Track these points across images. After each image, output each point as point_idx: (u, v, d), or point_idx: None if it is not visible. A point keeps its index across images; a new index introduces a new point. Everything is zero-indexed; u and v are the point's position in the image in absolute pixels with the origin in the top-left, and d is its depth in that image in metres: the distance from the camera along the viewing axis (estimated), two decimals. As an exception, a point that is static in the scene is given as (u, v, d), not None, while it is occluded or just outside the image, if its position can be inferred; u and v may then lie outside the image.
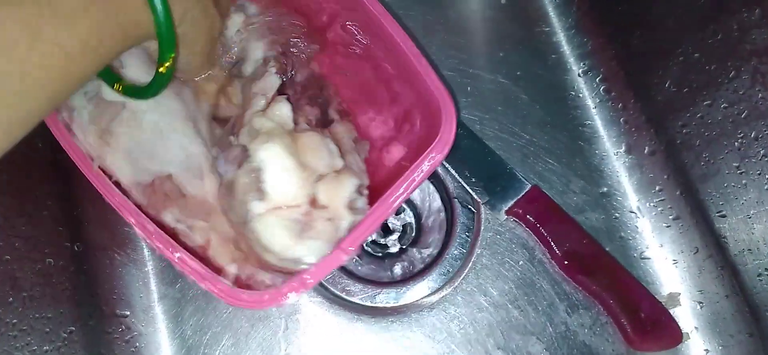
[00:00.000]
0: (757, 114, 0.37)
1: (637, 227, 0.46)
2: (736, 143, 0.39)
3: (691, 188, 0.43)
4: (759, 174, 0.38)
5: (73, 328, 0.39)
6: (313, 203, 0.29)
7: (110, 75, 0.30)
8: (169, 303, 0.44)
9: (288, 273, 0.30)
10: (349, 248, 0.30)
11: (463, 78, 0.48)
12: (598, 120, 0.48)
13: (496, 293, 0.44)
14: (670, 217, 0.45)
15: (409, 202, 0.47)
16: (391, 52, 0.35)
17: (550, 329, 0.43)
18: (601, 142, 0.48)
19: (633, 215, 0.46)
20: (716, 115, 0.40)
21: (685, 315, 0.44)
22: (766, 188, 0.37)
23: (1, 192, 0.37)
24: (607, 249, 0.44)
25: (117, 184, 0.31)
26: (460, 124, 0.44)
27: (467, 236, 0.44)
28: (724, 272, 0.42)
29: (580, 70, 0.49)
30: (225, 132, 0.34)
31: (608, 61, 0.48)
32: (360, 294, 0.43)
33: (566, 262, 0.43)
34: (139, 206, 0.31)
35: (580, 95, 0.49)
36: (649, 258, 0.46)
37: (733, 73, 0.38)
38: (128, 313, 0.43)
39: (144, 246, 0.44)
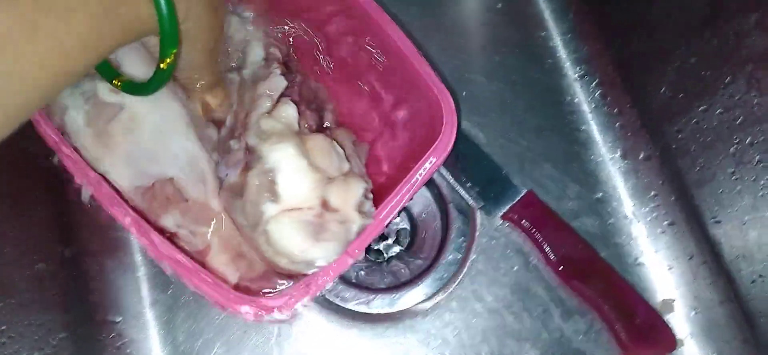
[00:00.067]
0: (753, 120, 0.37)
1: (632, 233, 0.46)
2: (731, 149, 0.39)
3: (686, 194, 0.43)
4: (754, 180, 0.38)
5: (64, 334, 0.39)
6: (325, 205, 0.29)
7: (108, 70, 0.29)
8: (161, 309, 0.43)
9: (294, 278, 0.30)
10: (355, 251, 0.30)
11: (459, 82, 0.48)
12: (593, 125, 0.48)
13: (490, 298, 0.44)
14: (665, 223, 0.45)
15: (404, 207, 0.47)
16: (389, 53, 0.35)
17: (545, 335, 0.43)
18: (597, 148, 0.48)
19: (628, 220, 0.46)
20: (712, 120, 0.40)
21: (680, 321, 0.44)
22: (761, 194, 0.37)
23: (-9, 197, 0.37)
24: (601, 255, 0.44)
25: (113, 187, 0.31)
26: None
27: (462, 242, 0.44)
28: (719, 278, 0.42)
29: (576, 75, 0.49)
30: (224, 135, 0.33)
31: (604, 66, 0.48)
32: (354, 300, 0.43)
33: (561, 267, 0.43)
34: (137, 212, 0.30)
35: (576, 100, 0.49)
36: (643, 264, 0.46)
37: (728, 78, 0.38)
38: (119, 319, 0.43)
39: (135, 251, 0.44)
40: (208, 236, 0.32)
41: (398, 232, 0.47)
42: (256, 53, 0.35)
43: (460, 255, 0.44)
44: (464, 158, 0.45)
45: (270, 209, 0.28)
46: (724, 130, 0.39)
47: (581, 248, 0.44)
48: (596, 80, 0.48)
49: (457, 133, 0.32)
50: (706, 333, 0.44)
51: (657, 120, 0.45)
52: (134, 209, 0.30)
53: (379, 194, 0.31)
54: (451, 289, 0.44)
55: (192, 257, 0.29)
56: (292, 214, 0.28)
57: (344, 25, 0.37)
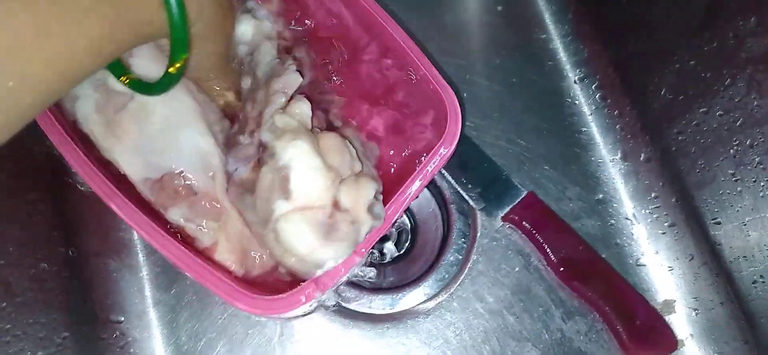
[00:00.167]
0: (753, 122, 0.37)
1: (633, 234, 0.46)
2: (731, 151, 0.39)
3: (687, 195, 0.43)
4: (754, 181, 0.38)
5: (67, 334, 0.39)
6: (336, 205, 0.29)
7: (117, 66, 0.29)
8: (164, 309, 0.43)
9: (302, 278, 0.30)
10: (362, 249, 0.30)
11: (460, 84, 0.48)
12: (594, 127, 0.48)
13: (492, 299, 0.44)
14: (666, 224, 0.46)
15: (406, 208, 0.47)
16: (391, 50, 0.35)
17: (546, 336, 0.43)
18: (597, 149, 0.48)
19: (628, 221, 0.46)
20: (712, 122, 0.40)
21: (681, 322, 0.44)
22: (761, 195, 0.38)
23: (-5, 197, 0.37)
24: (602, 256, 0.44)
25: (119, 182, 0.31)
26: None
27: (463, 243, 0.44)
28: (719, 279, 0.43)
29: (576, 77, 0.49)
30: (234, 130, 0.33)
31: (604, 68, 0.48)
32: (356, 300, 0.43)
33: (562, 268, 0.43)
34: (145, 203, 0.30)
35: (576, 102, 0.49)
36: (644, 265, 0.46)
37: (728, 80, 0.38)
38: (123, 319, 0.43)
39: (139, 251, 0.44)
40: (216, 232, 0.31)
41: (400, 233, 0.47)
42: (269, 51, 0.35)
43: (461, 256, 0.44)
44: (465, 160, 0.45)
45: (281, 206, 0.28)
46: (724, 132, 0.39)
47: (582, 249, 0.44)
48: (596, 82, 0.49)
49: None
50: (707, 334, 0.44)
51: (657, 122, 0.45)
52: (142, 201, 0.30)
53: (385, 192, 0.31)
54: (453, 289, 0.44)
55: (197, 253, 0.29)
56: (304, 213, 0.28)
57: (346, 25, 0.37)
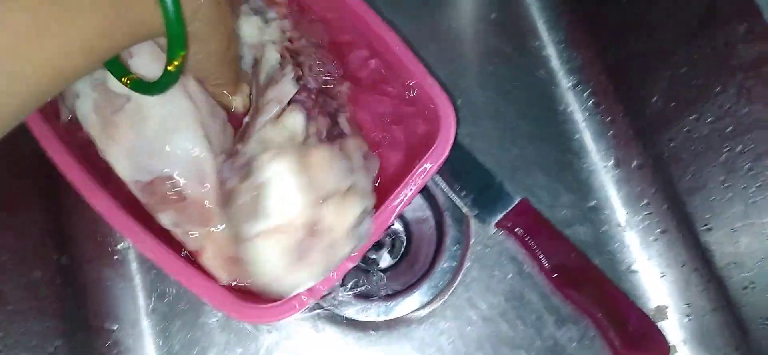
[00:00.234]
0: (743, 129, 0.37)
1: (625, 241, 0.46)
2: (721, 157, 0.39)
3: (678, 202, 0.44)
4: (744, 188, 0.38)
5: (60, 342, 0.39)
6: (315, 226, 0.27)
7: (118, 67, 0.29)
8: (157, 317, 0.43)
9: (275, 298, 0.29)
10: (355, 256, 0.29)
11: (453, 92, 0.48)
12: (587, 134, 0.49)
13: (485, 306, 0.44)
14: (658, 230, 0.46)
15: (399, 215, 0.47)
16: (388, 60, 0.35)
17: (539, 343, 0.43)
18: (590, 156, 0.48)
19: (621, 228, 0.47)
20: (703, 129, 0.40)
21: (673, 328, 0.44)
22: (751, 201, 0.38)
23: (-13, 206, 0.37)
24: (595, 262, 0.44)
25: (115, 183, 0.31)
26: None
27: (457, 250, 0.44)
28: (711, 285, 0.43)
29: (570, 84, 0.50)
30: (237, 137, 0.32)
31: (597, 75, 0.48)
32: (349, 308, 0.43)
33: (555, 275, 0.43)
34: (138, 206, 0.30)
35: (570, 109, 0.49)
36: (636, 271, 0.46)
37: (718, 88, 0.38)
38: (116, 327, 0.43)
39: (132, 260, 0.44)
40: (203, 239, 0.31)
41: (393, 240, 0.47)
42: (271, 56, 0.34)
43: (455, 263, 0.44)
44: (458, 166, 0.45)
45: (255, 225, 0.27)
46: (714, 139, 0.39)
47: (575, 255, 0.44)
48: (589, 89, 0.49)
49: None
50: (699, 340, 0.44)
51: (649, 129, 0.45)
52: (136, 202, 0.30)
53: (378, 198, 0.31)
54: (446, 297, 0.44)
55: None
56: (277, 234, 0.27)
57: (343, 31, 0.37)
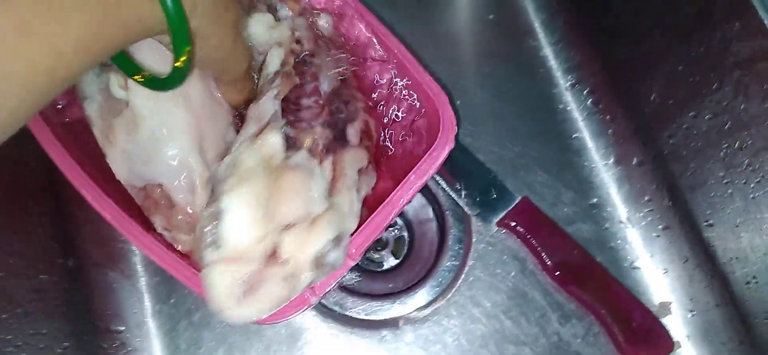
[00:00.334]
0: (740, 125, 0.37)
1: (627, 238, 0.47)
2: (721, 153, 0.39)
3: (679, 198, 0.44)
4: (744, 183, 0.38)
5: (68, 343, 0.39)
6: (272, 256, 0.26)
7: (131, 65, 0.29)
8: (163, 318, 0.44)
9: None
10: (355, 254, 0.29)
11: (453, 92, 0.48)
12: (586, 132, 0.49)
13: (488, 304, 0.44)
14: (660, 227, 0.46)
15: (401, 215, 0.48)
16: (386, 58, 0.35)
17: (543, 340, 0.44)
18: (590, 154, 0.48)
19: (622, 225, 0.47)
20: (701, 126, 0.40)
21: (676, 324, 0.44)
22: (751, 196, 0.38)
23: (-5, 210, 0.37)
24: (597, 260, 0.45)
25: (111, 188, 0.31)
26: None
27: (459, 248, 0.45)
28: (714, 280, 0.43)
29: (568, 84, 0.50)
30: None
31: (595, 74, 0.49)
32: (353, 307, 0.43)
33: (557, 272, 0.43)
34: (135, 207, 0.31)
35: (568, 108, 0.49)
36: (639, 268, 0.46)
37: (716, 85, 0.38)
38: (122, 328, 0.43)
39: (137, 261, 0.45)
40: (190, 245, 0.32)
41: (396, 240, 0.48)
42: (273, 62, 0.32)
43: (458, 262, 0.44)
44: (459, 166, 0.46)
45: (211, 253, 0.26)
46: (713, 135, 0.39)
47: (577, 253, 0.44)
48: (588, 88, 0.49)
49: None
50: (703, 335, 0.44)
51: (649, 126, 0.45)
52: (130, 204, 0.31)
53: (376, 201, 0.32)
54: (450, 295, 0.44)
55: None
56: (229, 266, 0.26)
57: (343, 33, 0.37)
